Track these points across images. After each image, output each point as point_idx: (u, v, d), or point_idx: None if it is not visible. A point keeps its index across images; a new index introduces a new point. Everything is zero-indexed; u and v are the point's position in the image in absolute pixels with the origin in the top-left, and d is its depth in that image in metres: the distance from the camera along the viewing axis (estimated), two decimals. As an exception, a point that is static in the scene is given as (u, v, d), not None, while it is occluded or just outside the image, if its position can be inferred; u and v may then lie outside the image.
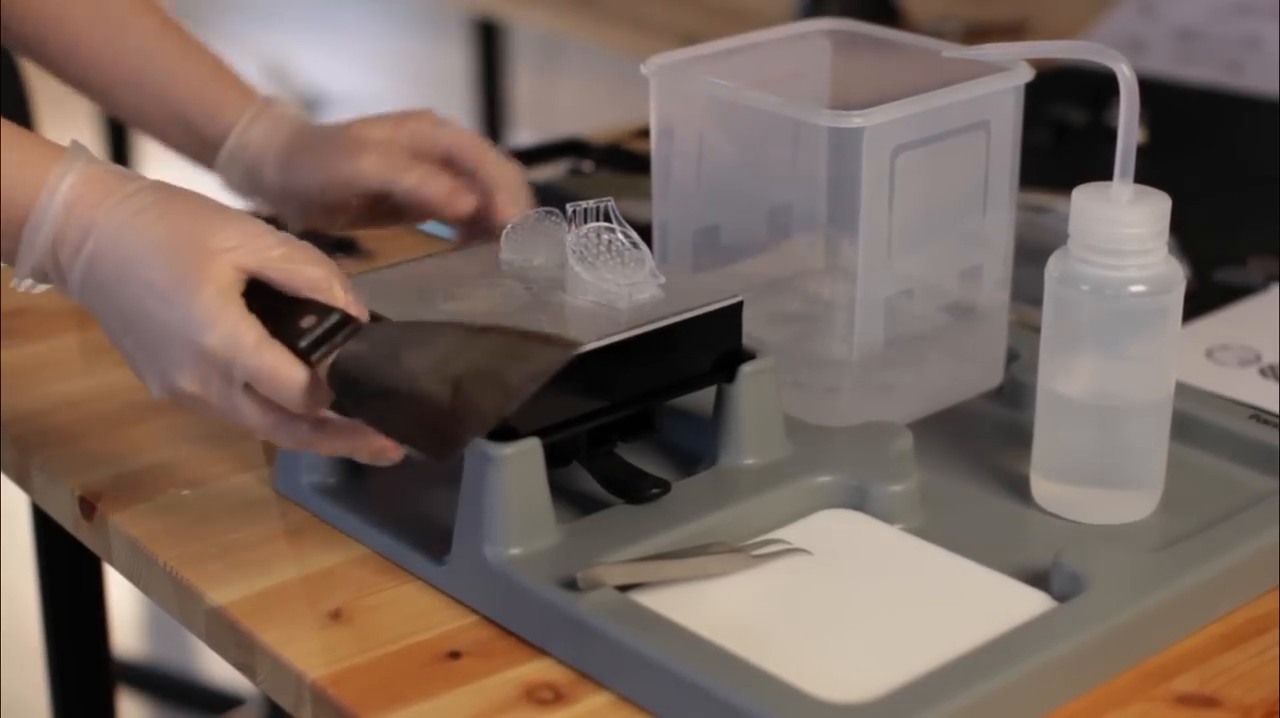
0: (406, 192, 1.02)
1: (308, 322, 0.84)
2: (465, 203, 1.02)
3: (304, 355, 0.83)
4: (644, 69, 1.01)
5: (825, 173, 0.94)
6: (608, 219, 0.92)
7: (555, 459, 0.88)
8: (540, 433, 0.86)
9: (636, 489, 0.90)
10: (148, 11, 1.11)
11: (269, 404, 0.85)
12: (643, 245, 0.92)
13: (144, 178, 0.88)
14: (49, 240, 0.87)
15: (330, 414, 0.85)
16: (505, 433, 0.85)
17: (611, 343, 0.88)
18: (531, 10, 2.37)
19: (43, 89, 1.42)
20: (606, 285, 0.91)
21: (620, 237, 0.91)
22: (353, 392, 0.84)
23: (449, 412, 0.81)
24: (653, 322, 0.90)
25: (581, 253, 0.91)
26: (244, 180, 1.09)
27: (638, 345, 0.89)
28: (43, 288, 0.90)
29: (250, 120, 1.08)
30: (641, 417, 0.93)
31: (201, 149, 1.10)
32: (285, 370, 0.83)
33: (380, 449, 0.85)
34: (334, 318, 0.84)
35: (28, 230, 0.87)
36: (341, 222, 1.06)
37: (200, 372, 0.84)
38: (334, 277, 0.85)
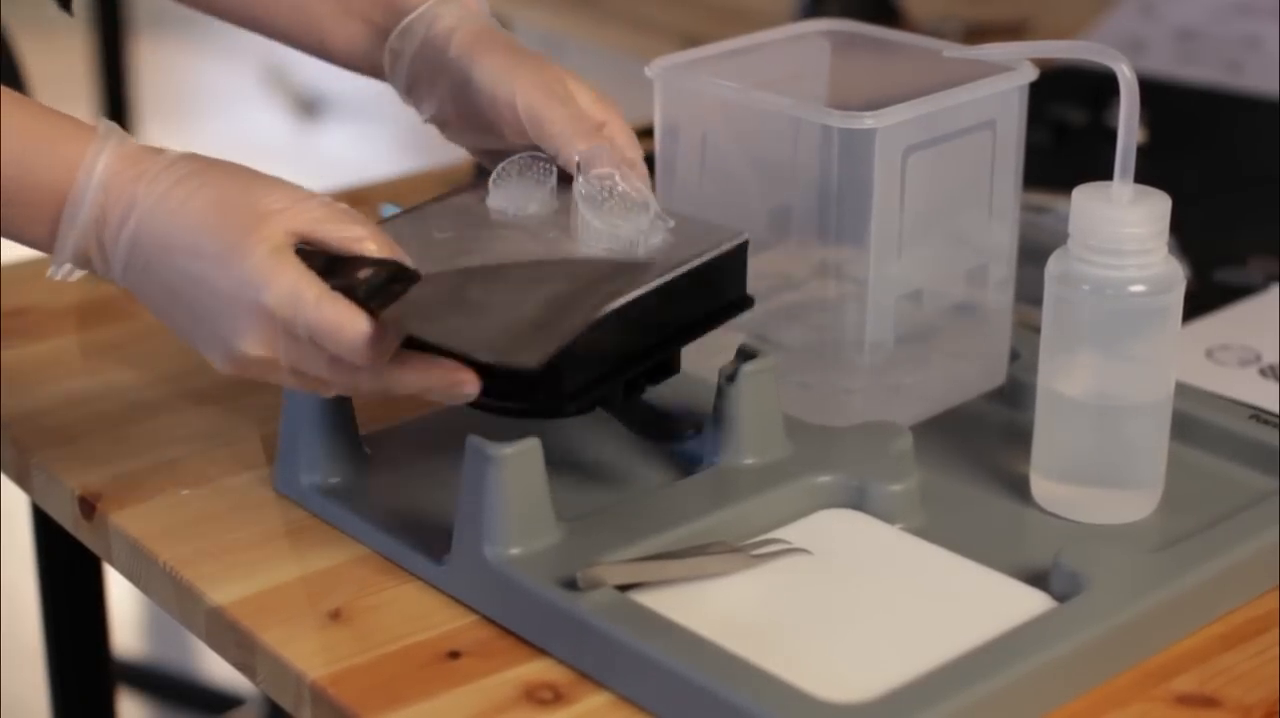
0: (564, 160, 0.94)
1: (364, 273, 0.84)
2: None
3: (365, 305, 0.83)
4: (648, 71, 1.01)
5: (836, 174, 0.94)
6: None
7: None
8: (585, 389, 0.86)
9: (671, 430, 0.89)
10: None
11: (336, 357, 0.84)
12: (647, 189, 0.92)
13: (178, 151, 0.87)
14: (89, 221, 0.85)
15: (405, 353, 0.84)
16: (551, 389, 0.84)
17: (655, 288, 0.87)
18: (531, 10, 2.37)
19: (39, 74, 1.42)
20: (620, 233, 0.90)
21: (622, 183, 0.91)
22: (427, 326, 0.84)
23: (538, 320, 0.83)
24: (682, 265, 0.89)
25: (592, 200, 0.91)
26: (416, 59, 1.00)
27: (672, 289, 0.88)
28: (79, 274, 0.88)
29: (428, 8, 0.99)
30: (664, 360, 0.92)
31: (370, 45, 1.02)
32: (349, 322, 0.82)
33: (457, 381, 0.84)
34: (390, 268, 0.84)
35: (66, 212, 0.85)
36: (470, 138, 1.01)
37: (264, 333, 0.83)
38: (378, 233, 0.85)
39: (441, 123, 1.01)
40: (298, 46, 1.05)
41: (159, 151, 0.87)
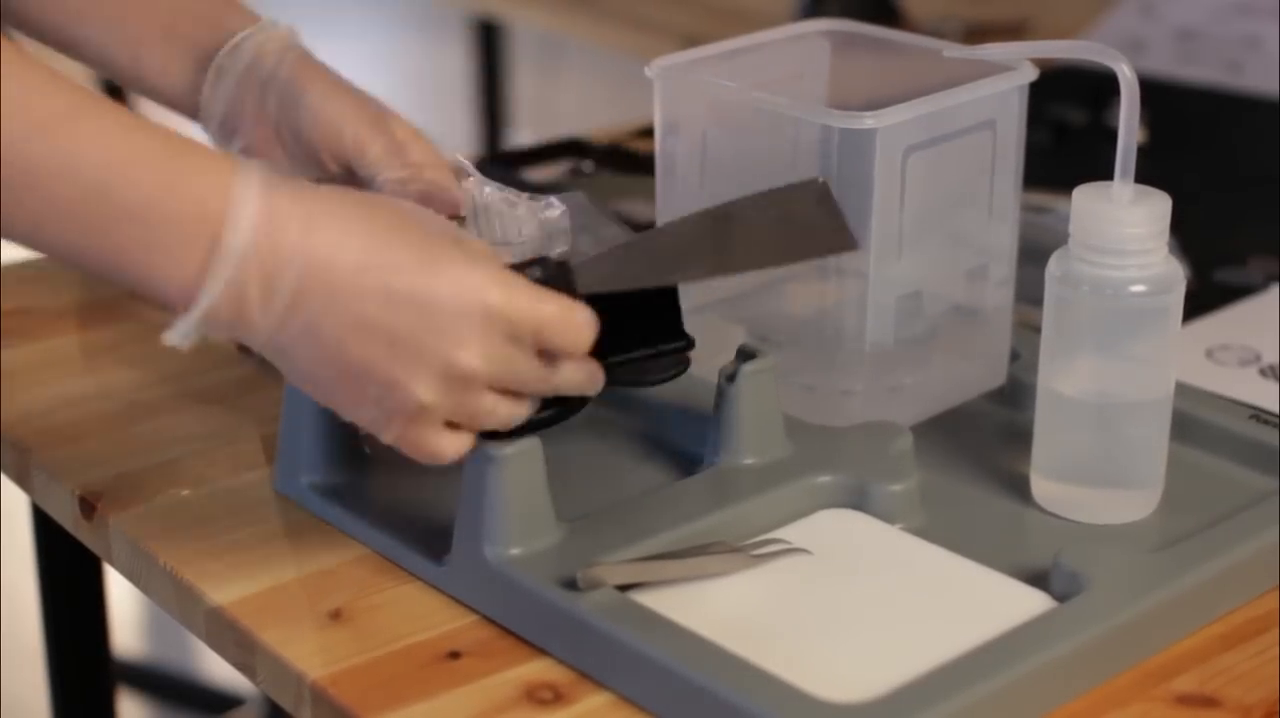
0: (392, 183, 0.92)
1: (534, 273, 0.82)
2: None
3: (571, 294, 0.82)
4: (648, 71, 1.01)
5: (836, 174, 0.94)
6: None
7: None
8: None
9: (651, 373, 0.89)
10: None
11: (546, 355, 0.81)
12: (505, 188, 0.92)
13: (319, 185, 0.81)
14: (246, 256, 0.76)
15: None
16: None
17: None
18: (531, 10, 2.37)
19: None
20: (510, 237, 0.90)
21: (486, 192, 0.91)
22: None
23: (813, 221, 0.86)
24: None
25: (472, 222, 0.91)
26: (243, 78, 0.94)
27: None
28: (193, 339, 0.78)
29: (259, 29, 0.95)
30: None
31: (187, 65, 0.95)
32: (574, 309, 0.80)
33: (598, 374, 0.83)
34: (553, 262, 0.83)
35: (220, 260, 0.75)
36: (283, 166, 0.95)
37: (486, 339, 0.78)
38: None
39: (250, 150, 0.95)
40: (111, 70, 0.97)
41: (304, 184, 0.80)
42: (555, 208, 0.93)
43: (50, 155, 0.75)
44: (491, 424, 0.82)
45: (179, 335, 0.78)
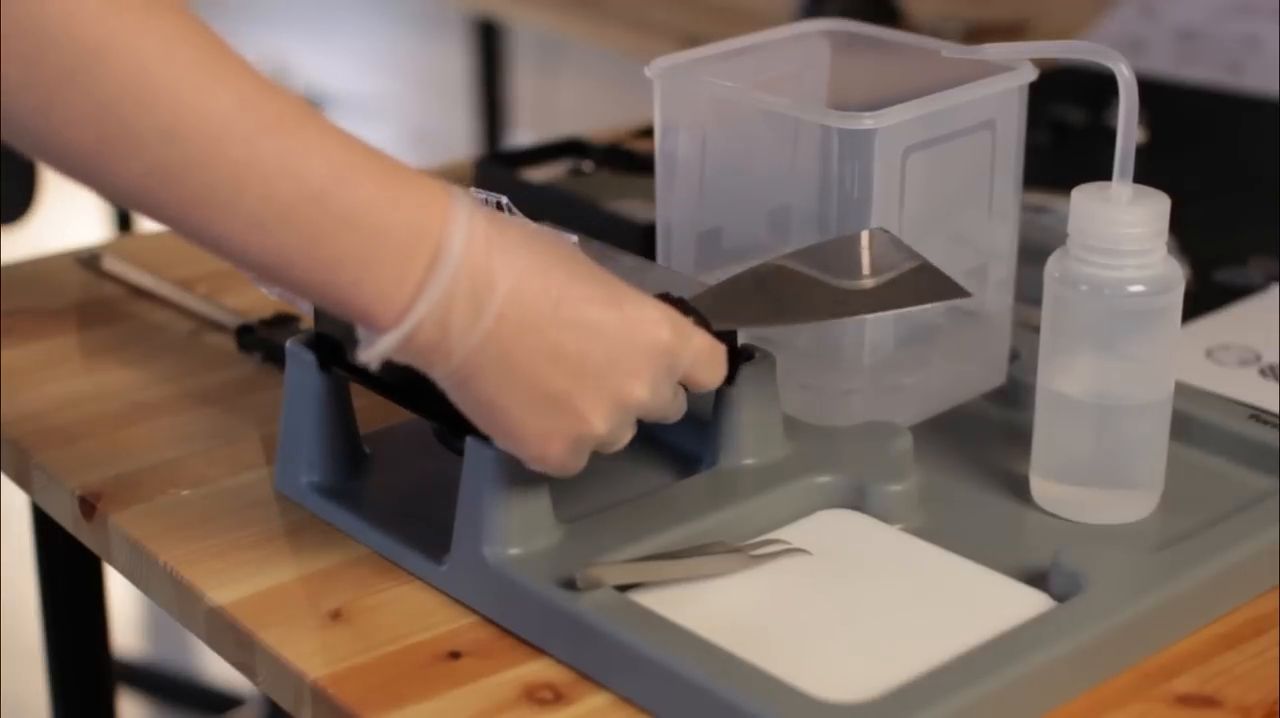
0: None
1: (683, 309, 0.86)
2: None
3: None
4: (648, 71, 1.01)
5: (836, 174, 0.94)
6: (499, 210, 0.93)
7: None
8: None
9: None
10: None
11: (681, 386, 0.84)
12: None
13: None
14: (450, 285, 0.76)
15: None
16: None
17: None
18: (531, 10, 2.37)
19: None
20: None
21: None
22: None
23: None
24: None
25: None
26: None
27: None
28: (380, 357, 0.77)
29: None
30: None
31: None
32: (720, 348, 0.84)
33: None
34: (675, 297, 0.86)
35: (436, 276, 0.75)
36: None
37: (654, 372, 0.80)
38: None
39: None
40: None
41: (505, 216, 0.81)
42: (568, 238, 0.93)
43: (276, 155, 0.74)
44: (613, 452, 0.84)
45: (378, 353, 0.77)
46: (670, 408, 0.84)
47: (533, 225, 0.82)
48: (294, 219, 0.74)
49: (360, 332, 0.78)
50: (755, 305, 0.88)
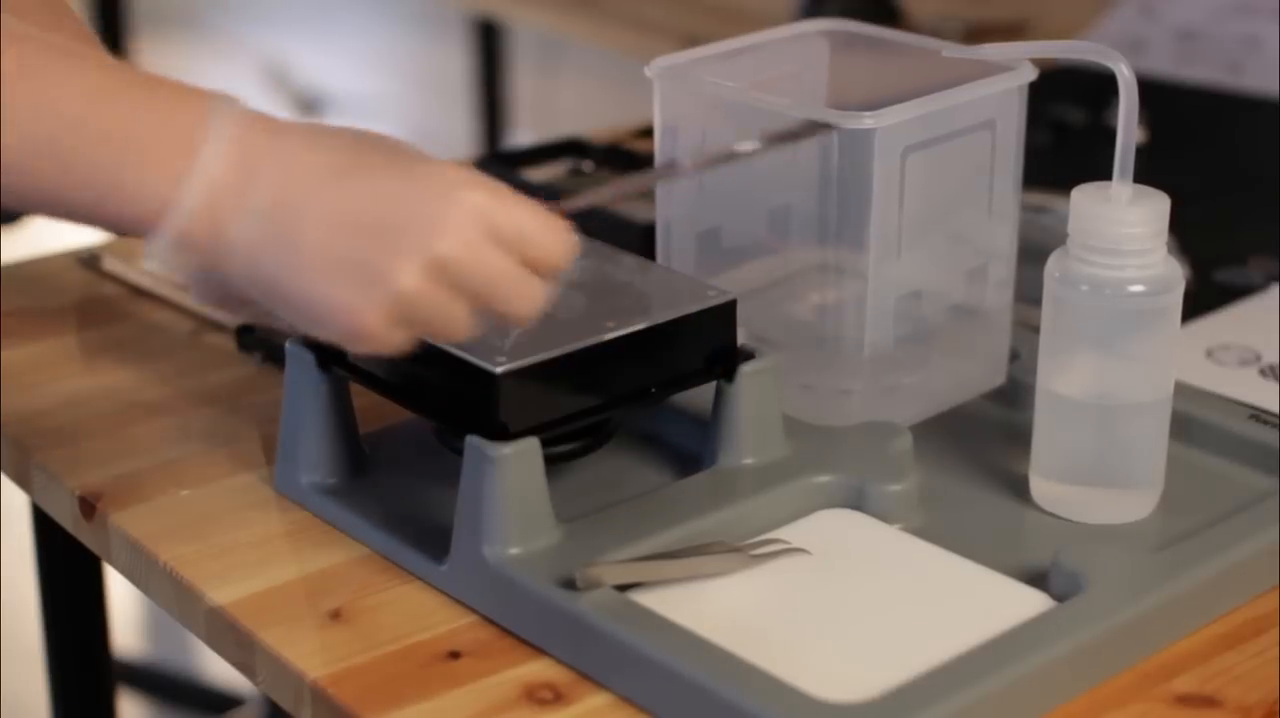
0: None
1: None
2: None
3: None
4: (648, 71, 1.01)
5: (836, 174, 0.94)
6: None
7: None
8: (534, 432, 0.86)
9: None
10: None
11: (528, 262, 0.80)
12: None
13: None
14: (212, 172, 0.76)
15: None
16: (496, 433, 0.85)
17: (601, 341, 0.88)
18: (531, 10, 2.37)
19: None
20: None
21: None
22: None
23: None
24: (645, 320, 0.90)
25: None
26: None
27: (629, 344, 0.89)
28: (171, 263, 0.77)
29: None
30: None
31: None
32: (555, 220, 0.80)
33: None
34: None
35: (195, 165, 0.75)
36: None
37: (467, 231, 0.77)
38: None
39: None
40: None
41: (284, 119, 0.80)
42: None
43: (27, 96, 0.75)
44: (452, 331, 0.81)
45: (155, 257, 0.77)
46: (505, 279, 0.79)
47: (329, 124, 0.80)
48: (53, 151, 0.76)
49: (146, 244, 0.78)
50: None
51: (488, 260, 0.78)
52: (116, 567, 0.97)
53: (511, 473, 0.85)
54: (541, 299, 0.81)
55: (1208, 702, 0.82)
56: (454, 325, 0.80)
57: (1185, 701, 0.82)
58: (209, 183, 0.76)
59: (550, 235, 0.80)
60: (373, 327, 0.78)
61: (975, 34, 1.81)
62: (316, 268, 0.77)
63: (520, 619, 0.85)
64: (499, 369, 0.85)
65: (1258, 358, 1.11)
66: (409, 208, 0.77)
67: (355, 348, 0.81)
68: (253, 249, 0.77)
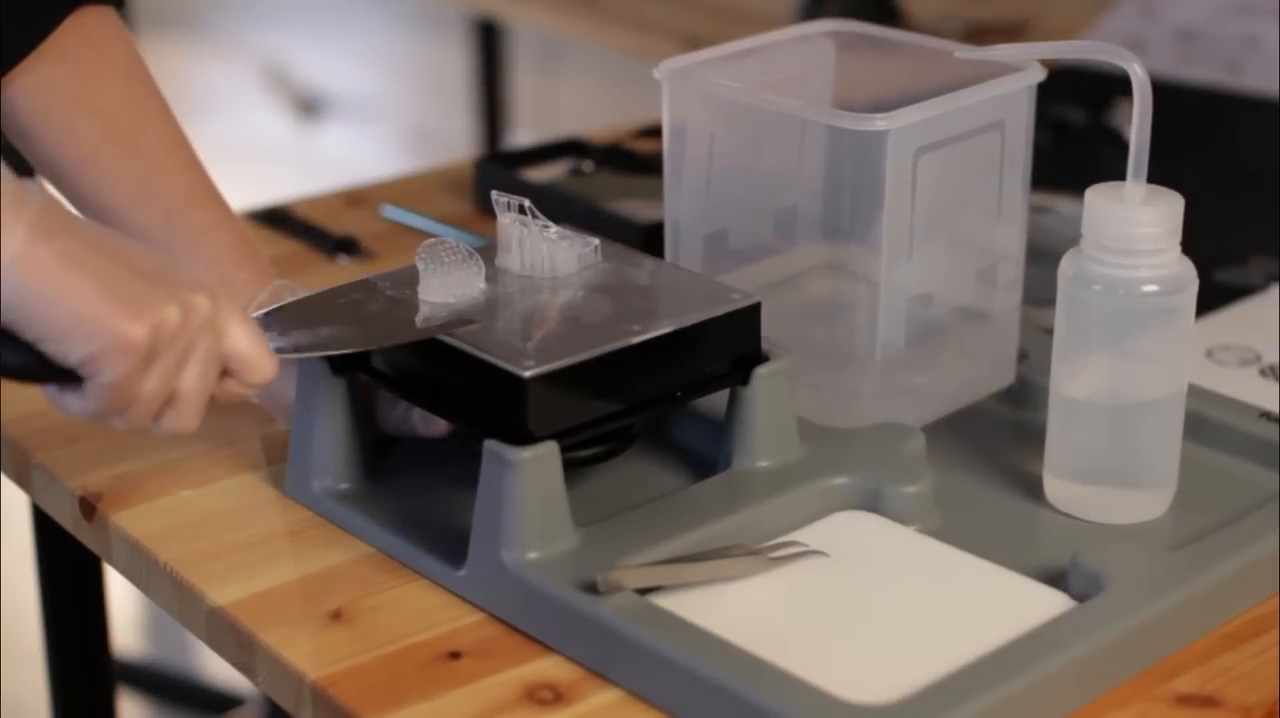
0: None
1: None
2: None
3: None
4: (657, 73, 1.01)
5: (848, 176, 0.94)
6: (522, 212, 0.94)
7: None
8: (560, 436, 0.86)
9: None
10: (182, 170, 1.01)
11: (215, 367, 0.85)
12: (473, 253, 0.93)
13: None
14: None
15: None
16: (521, 437, 0.85)
17: (628, 346, 0.88)
18: (531, 10, 2.37)
19: None
20: (457, 290, 0.92)
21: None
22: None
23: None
24: (671, 324, 0.90)
25: (428, 267, 0.92)
26: None
27: (656, 348, 0.89)
28: None
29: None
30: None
31: None
32: (265, 349, 0.85)
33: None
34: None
35: None
36: None
37: (186, 318, 0.82)
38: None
39: None
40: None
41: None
42: (589, 244, 0.93)
43: None
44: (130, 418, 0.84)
45: None
46: (202, 379, 0.83)
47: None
48: None
49: None
50: (327, 326, 0.90)
51: (200, 362, 0.83)
52: (117, 567, 0.97)
53: (531, 478, 0.84)
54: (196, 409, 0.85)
55: (1208, 702, 0.82)
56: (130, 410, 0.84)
57: (1186, 701, 0.82)
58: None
59: (257, 352, 0.85)
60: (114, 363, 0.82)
61: (975, 34, 1.81)
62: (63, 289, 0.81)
63: (540, 623, 0.85)
64: (527, 374, 0.84)
65: (1258, 358, 1.11)
66: (150, 275, 0.82)
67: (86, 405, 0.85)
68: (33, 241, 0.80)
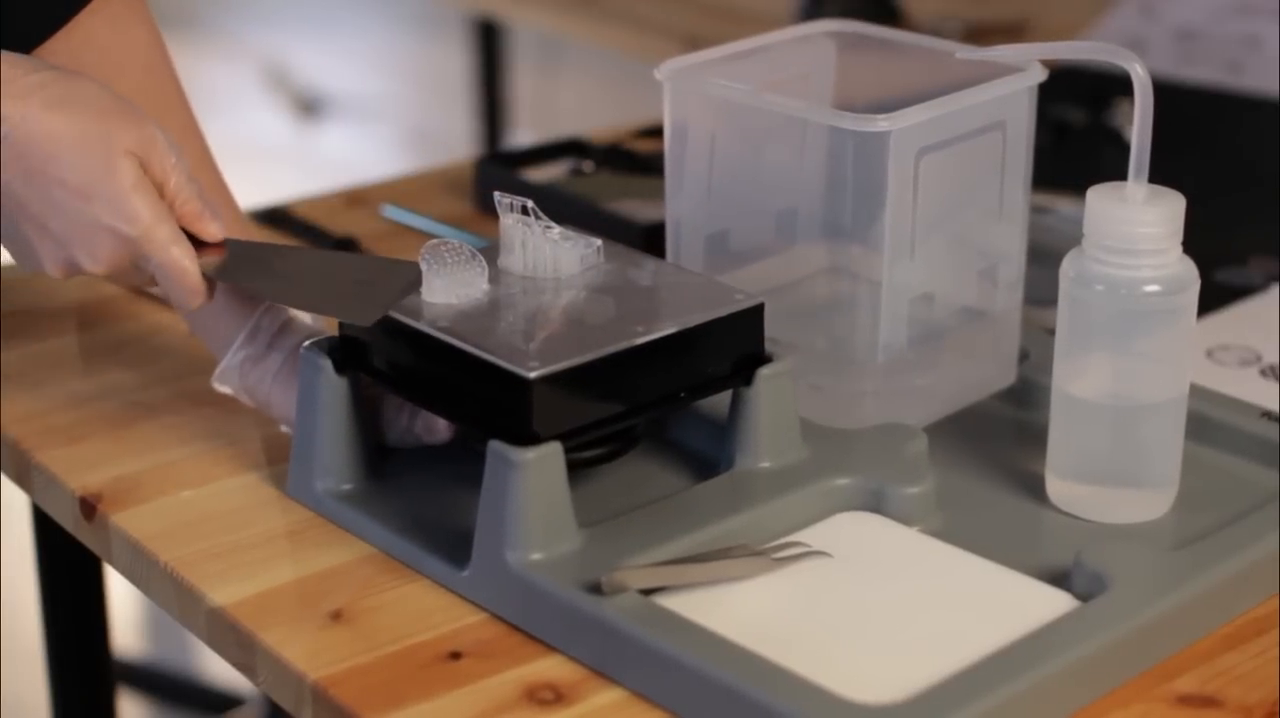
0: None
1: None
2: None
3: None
4: (658, 73, 1.01)
5: (849, 176, 0.94)
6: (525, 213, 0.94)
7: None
8: (564, 437, 0.86)
9: None
10: (196, 166, 1.01)
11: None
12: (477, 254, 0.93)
13: (45, 66, 0.89)
14: None
15: None
16: (525, 438, 0.85)
17: (632, 346, 0.88)
18: (531, 10, 2.37)
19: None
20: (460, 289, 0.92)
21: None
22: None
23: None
24: (675, 325, 0.90)
25: (431, 265, 0.92)
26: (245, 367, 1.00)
27: (660, 349, 0.89)
28: None
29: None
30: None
31: None
32: (190, 274, 0.89)
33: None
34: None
35: None
36: None
37: (114, 257, 0.89)
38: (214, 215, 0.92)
39: None
40: None
41: (26, 65, 0.89)
42: (592, 245, 0.93)
43: None
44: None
45: None
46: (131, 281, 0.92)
47: (80, 98, 0.89)
48: None
49: None
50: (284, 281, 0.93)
51: (126, 276, 0.92)
52: (117, 567, 0.97)
53: (535, 478, 0.84)
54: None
55: (1209, 702, 0.82)
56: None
57: (1186, 701, 0.82)
58: None
59: (180, 280, 0.90)
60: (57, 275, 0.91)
61: (975, 34, 1.81)
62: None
63: (544, 624, 0.85)
64: (532, 374, 0.84)
65: (1258, 358, 1.11)
66: (69, 228, 0.89)
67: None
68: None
